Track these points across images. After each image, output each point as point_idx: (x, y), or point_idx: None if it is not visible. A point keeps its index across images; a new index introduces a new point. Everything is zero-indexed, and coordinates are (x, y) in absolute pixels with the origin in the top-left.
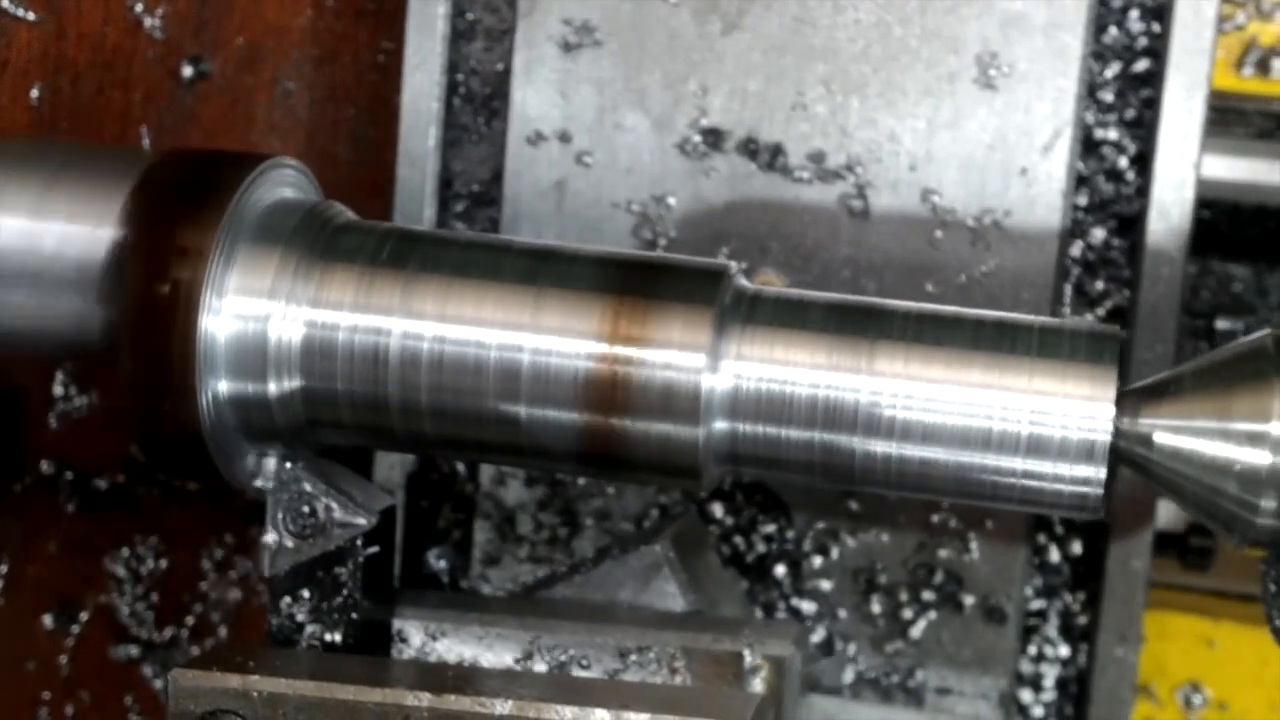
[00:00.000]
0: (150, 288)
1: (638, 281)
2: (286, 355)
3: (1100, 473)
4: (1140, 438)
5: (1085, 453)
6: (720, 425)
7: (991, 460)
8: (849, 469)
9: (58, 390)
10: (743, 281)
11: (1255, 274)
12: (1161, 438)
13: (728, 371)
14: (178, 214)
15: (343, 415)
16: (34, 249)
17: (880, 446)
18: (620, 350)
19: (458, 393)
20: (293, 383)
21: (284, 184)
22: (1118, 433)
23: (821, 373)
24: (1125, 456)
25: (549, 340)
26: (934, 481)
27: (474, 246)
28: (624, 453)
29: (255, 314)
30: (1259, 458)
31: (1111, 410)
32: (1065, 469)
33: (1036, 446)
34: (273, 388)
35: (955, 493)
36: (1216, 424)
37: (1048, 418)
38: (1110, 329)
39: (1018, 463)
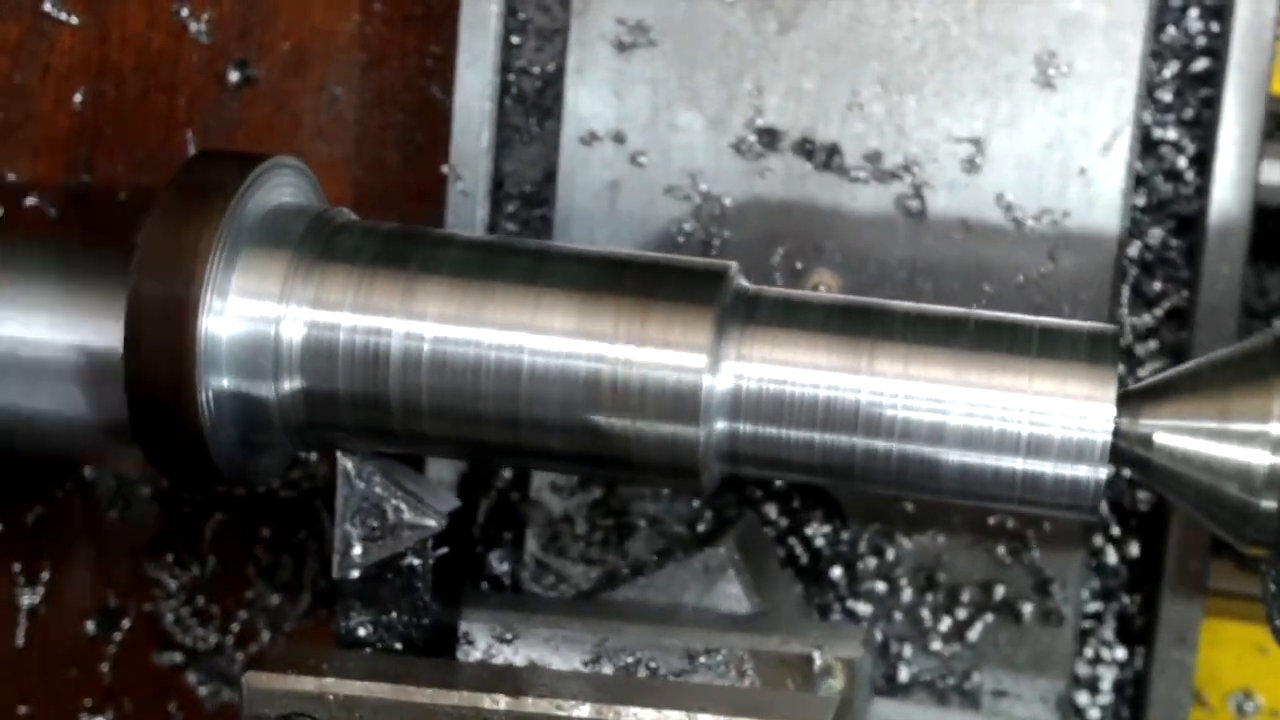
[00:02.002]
0: (151, 288)
1: (638, 282)
2: (287, 356)
3: (1100, 473)
4: (1140, 438)
5: (1085, 453)
6: (720, 425)
7: (992, 460)
8: (849, 469)
9: None
10: (743, 282)
11: (1255, 274)
12: (1161, 438)
13: (728, 372)
14: (178, 215)
15: (343, 415)
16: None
17: (881, 447)
18: (620, 350)
19: (458, 393)
20: (293, 383)
21: (285, 185)
22: (1118, 433)
23: (822, 373)
24: (1125, 457)
25: (549, 340)
26: (935, 482)
27: (474, 247)
28: (624, 453)
29: (256, 315)
30: (1259, 458)
31: (1112, 411)
32: (1065, 469)
33: (1036, 447)
34: (273, 388)
35: (956, 493)
36: (1216, 424)
37: (1048, 418)
38: (1109, 329)
39: (1018, 463)
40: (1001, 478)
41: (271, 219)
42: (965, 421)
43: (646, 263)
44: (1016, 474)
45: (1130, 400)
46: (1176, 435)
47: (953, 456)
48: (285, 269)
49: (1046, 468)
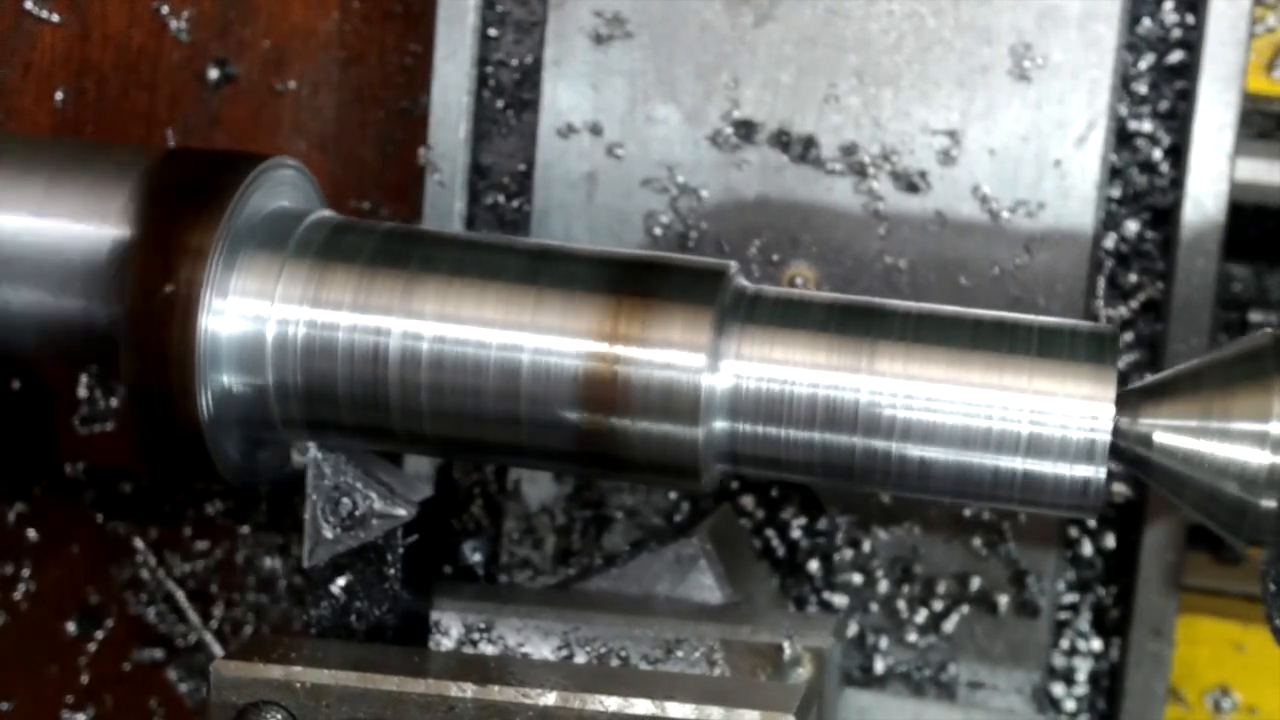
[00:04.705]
0: (151, 288)
1: (638, 281)
2: (287, 355)
3: (1100, 472)
4: (1140, 437)
5: (1085, 453)
6: (720, 425)
7: (991, 460)
8: (849, 469)
9: (82, 393)
10: (742, 281)
11: (1255, 274)
12: (1161, 438)
13: (727, 371)
14: (177, 215)
15: (342, 414)
16: (39, 247)
17: (880, 446)
18: (620, 350)
19: (458, 392)
20: (293, 382)
21: (284, 184)
22: (1118, 432)
23: (821, 372)
24: (1125, 456)
25: (549, 340)
26: (934, 481)
27: (474, 246)
28: (624, 452)
29: (256, 314)
30: (1259, 458)
31: (1111, 410)
32: (1065, 469)
33: (1036, 446)
34: (273, 387)
35: (955, 492)
36: (1217, 424)
37: (1048, 417)
38: (1109, 329)
39: (1018, 462)
40: (1001, 478)
41: (271, 218)
42: (964, 421)
43: (646, 262)
44: (1016, 474)
45: (1130, 399)
46: (1176, 434)
47: (952, 456)
48: (285, 268)
49: (1046, 467)
